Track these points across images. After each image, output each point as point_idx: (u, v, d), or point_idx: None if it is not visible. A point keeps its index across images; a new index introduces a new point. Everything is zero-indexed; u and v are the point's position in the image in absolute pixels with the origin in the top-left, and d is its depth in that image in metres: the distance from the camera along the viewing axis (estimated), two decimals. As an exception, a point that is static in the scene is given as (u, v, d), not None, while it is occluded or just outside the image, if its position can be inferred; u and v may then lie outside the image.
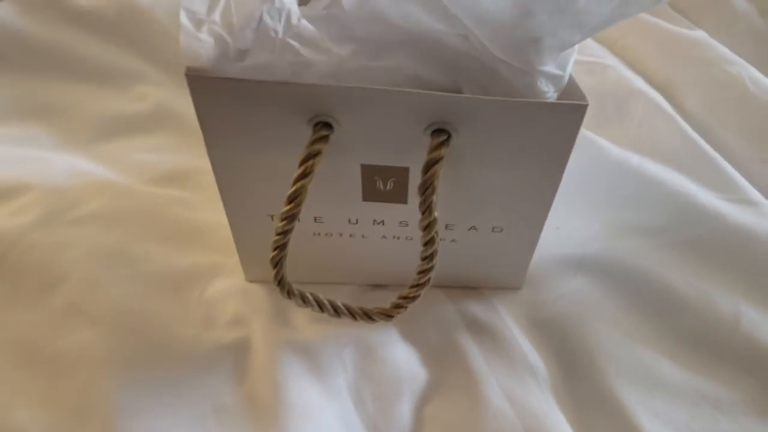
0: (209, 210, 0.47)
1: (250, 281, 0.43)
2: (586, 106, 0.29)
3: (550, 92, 0.29)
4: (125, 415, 0.34)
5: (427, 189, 0.29)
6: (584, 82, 0.31)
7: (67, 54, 0.63)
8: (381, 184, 0.34)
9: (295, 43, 0.27)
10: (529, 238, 0.39)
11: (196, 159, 0.52)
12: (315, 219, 0.37)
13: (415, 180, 0.31)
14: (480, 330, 0.41)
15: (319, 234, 0.38)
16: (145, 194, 0.50)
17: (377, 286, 0.44)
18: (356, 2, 0.26)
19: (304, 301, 0.32)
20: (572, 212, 0.49)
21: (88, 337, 0.38)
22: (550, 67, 0.28)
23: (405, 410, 0.36)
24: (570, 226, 0.48)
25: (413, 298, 0.33)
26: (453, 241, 0.39)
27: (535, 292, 0.44)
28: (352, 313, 0.32)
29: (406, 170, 0.33)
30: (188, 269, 0.43)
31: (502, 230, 0.38)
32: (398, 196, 0.35)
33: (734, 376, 0.39)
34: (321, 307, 0.32)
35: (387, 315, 0.33)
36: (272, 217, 0.37)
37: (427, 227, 0.30)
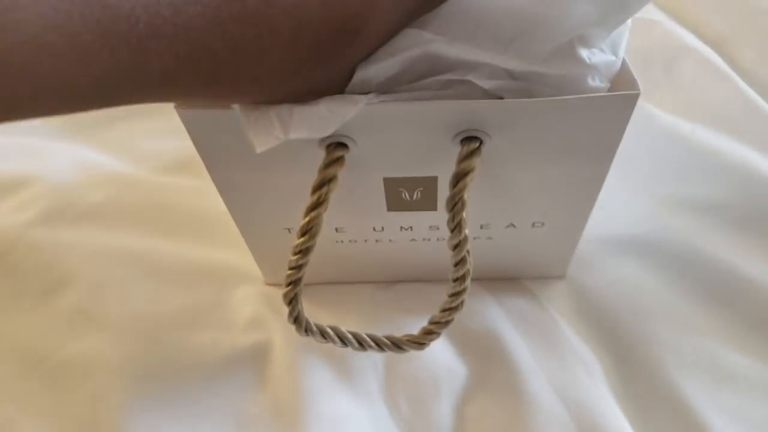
0: (224, 200, 0.44)
1: (269, 284, 0.40)
2: (638, 95, 0.25)
3: (601, 85, 0.25)
4: (138, 429, 0.32)
5: (456, 204, 0.26)
6: (627, 41, 0.27)
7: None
8: (407, 194, 0.31)
9: None
10: (573, 229, 0.36)
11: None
12: (336, 229, 0.34)
13: (444, 186, 0.28)
14: (523, 321, 0.38)
15: (341, 241, 0.35)
16: (153, 184, 0.47)
17: (396, 282, 0.40)
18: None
19: (324, 337, 0.30)
20: (618, 189, 0.44)
21: (96, 344, 0.36)
22: (601, 56, 0.24)
23: (444, 412, 0.34)
24: (616, 204, 0.44)
25: (446, 323, 0.30)
26: (489, 238, 0.35)
27: (580, 279, 0.40)
28: (379, 345, 0.30)
29: (434, 179, 0.30)
30: (202, 267, 0.41)
31: (543, 224, 0.34)
32: (427, 204, 0.32)
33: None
34: (344, 341, 0.30)
35: (418, 343, 0.30)
36: (289, 230, 0.34)
37: (457, 246, 0.27)
